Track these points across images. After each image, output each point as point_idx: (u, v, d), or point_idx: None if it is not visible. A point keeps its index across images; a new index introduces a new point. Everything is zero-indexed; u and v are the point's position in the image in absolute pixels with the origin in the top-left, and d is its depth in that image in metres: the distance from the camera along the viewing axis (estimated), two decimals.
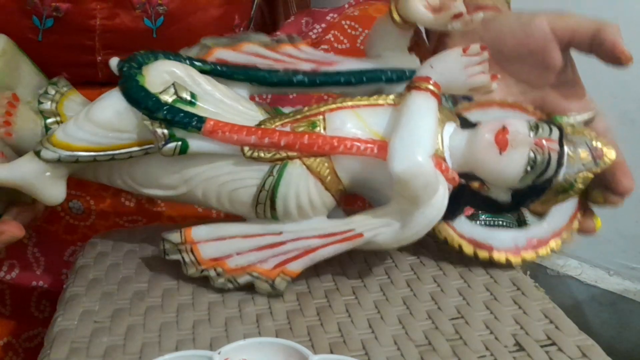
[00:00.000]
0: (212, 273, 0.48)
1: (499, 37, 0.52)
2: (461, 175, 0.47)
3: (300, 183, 0.46)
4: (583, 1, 0.74)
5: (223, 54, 0.51)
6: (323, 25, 0.71)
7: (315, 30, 0.71)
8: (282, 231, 0.47)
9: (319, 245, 0.47)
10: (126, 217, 0.65)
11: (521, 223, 0.58)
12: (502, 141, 0.46)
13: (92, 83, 0.63)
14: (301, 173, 0.46)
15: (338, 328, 0.45)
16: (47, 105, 0.50)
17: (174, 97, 0.46)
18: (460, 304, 0.47)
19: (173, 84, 0.46)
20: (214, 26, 0.65)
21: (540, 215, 0.51)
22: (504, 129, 0.46)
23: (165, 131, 0.45)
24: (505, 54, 0.52)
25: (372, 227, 0.46)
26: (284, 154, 0.46)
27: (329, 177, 0.46)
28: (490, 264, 0.51)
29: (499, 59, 0.52)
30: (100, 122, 0.46)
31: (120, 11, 0.59)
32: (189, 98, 0.46)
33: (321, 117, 0.47)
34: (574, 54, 0.51)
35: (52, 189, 0.47)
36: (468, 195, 0.49)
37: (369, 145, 0.45)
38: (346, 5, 0.76)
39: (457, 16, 0.46)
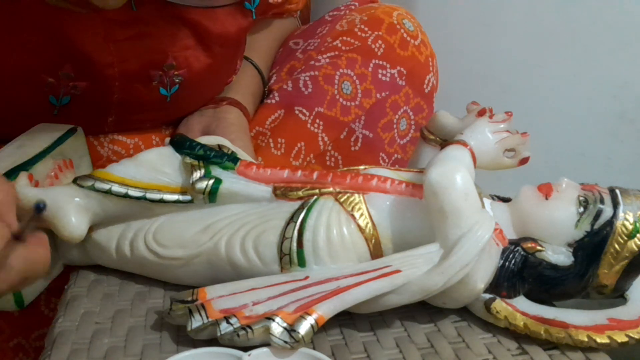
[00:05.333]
0: (222, 323, 0.40)
1: None
2: (513, 242, 0.44)
3: (331, 215, 0.44)
4: (583, 1, 0.74)
5: None
6: (317, 40, 0.72)
7: (312, 45, 0.72)
8: (308, 275, 0.42)
9: (351, 285, 0.41)
10: None
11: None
12: (545, 187, 0.45)
13: (97, 133, 0.64)
14: (333, 206, 0.44)
15: None
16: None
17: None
18: None
19: (218, 145, 0.49)
20: (222, 79, 0.66)
21: (620, 291, 0.44)
22: (546, 184, 0.45)
23: (202, 169, 0.46)
24: None
25: (411, 262, 0.41)
26: (316, 190, 0.45)
27: (362, 217, 0.44)
28: (566, 347, 0.41)
29: None
30: (143, 160, 0.48)
31: (138, 85, 0.59)
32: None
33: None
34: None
35: (76, 218, 0.46)
36: (526, 269, 0.43)
37: (404, 183, 0.45)
38: (342, 7, 0.77)
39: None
